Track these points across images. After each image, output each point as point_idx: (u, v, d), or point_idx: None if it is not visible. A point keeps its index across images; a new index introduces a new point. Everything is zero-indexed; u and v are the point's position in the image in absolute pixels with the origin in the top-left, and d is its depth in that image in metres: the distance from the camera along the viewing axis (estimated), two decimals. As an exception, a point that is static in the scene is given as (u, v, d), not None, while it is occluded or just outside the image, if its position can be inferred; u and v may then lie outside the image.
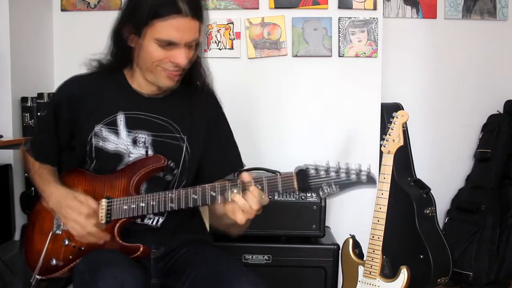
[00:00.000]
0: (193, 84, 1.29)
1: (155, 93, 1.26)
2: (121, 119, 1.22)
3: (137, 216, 1.15)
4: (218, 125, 1.34)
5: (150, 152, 1.23)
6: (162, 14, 1.09)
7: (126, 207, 1.14)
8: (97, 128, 1.21)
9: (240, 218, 1.04)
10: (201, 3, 1.16)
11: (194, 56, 1.19)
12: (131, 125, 1.22)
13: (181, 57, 1.14)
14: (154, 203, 1.11)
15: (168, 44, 1.12)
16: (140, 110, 1.24)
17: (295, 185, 1.03)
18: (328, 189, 1.01)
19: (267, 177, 1.05)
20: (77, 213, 1.10)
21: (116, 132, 1.22)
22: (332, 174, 1.01)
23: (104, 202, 1.16)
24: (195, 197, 1.08)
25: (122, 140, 1.22)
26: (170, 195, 1.10)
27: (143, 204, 1.12)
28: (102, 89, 1.24)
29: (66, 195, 1.16)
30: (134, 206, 1.13)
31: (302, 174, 1.02)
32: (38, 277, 1.20)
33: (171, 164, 1.22)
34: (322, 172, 1.01)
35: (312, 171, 1.02)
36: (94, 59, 1.26)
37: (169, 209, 1.11)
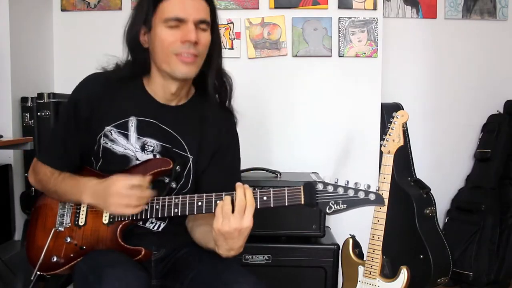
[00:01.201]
0: (210, 93, 1.25)
1: (169, 100, 1.24)
2: (132, 123, 1.21)
3: (140, 219, 1.15)
4: (229, 153, 1.31)
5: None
6: None
7: None
8: (107, 129, 1.21)
9: (217, 223, 1.02)
10: None
11: (207, 41, 1.18)
12: (141, 131, 1.21)
13: (191, 33, 1.12)
14: (159, 207, 1.12)
15: (177, 24, 1.12)
16: (152, 117, 1.22)
17: (302, 200, 1.02)
18: (335, 206, 1.00)
19: (274, 190, 1.04)
20: (128, 184, 1.08)
21: (126, 136, 1.21)
22: (340, 190, 1.00)
23: None
24: (200, 204, 1.08)
25: (130, 145, 1.21)
26: (175, 200, 1.11)
27: (147, 208, 1.12)
28: (118, 91, 1.22)
29: (106, 180, 1.12)
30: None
31: (310, 189, 1.01)
32: (38, 273, 1.20)
33: (178, 169, 1.21)
34: (330, 188, 1.01)
35: (320, 186, 1.01)
36: (113, 64, 1.24)
37: (173, 215, 1.11)
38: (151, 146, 1.22)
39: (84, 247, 1.17)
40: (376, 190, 1.01)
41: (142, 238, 1.21)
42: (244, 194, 1.03)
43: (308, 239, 1.88)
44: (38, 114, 2.15)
